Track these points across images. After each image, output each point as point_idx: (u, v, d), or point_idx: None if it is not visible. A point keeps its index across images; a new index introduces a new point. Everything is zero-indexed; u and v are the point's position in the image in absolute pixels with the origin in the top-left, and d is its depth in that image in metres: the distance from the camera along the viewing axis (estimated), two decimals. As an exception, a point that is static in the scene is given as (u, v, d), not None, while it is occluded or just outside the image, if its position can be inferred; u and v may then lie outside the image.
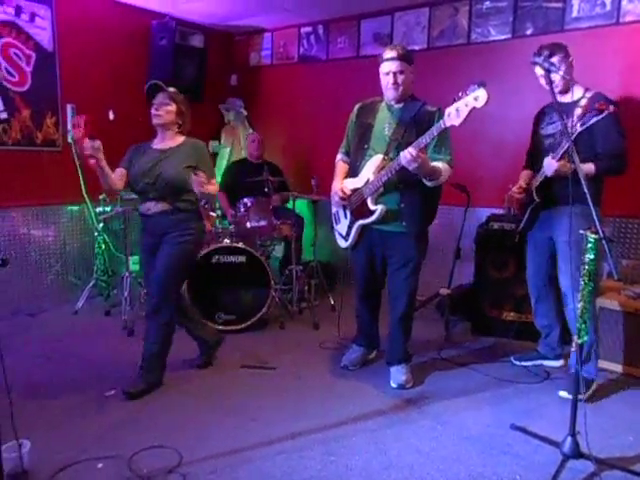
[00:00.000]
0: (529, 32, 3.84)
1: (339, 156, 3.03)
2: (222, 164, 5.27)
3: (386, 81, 2.69)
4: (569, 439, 2.07)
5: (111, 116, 4.42)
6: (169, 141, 2.79)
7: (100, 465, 2.08)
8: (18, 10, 3.78)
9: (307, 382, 2.91)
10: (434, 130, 2.46)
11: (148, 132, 4.71)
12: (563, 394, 2.69)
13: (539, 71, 2.58)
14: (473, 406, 2.64)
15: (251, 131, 4.86)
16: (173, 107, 2.76)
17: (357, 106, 2.94)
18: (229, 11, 4.62)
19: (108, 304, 4.04)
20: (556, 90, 2.56)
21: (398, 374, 2.87)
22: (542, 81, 2.59)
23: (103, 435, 2.29)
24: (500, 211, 3.57)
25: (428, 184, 2.62)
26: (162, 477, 2.01)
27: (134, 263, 4.02)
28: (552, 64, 2.38)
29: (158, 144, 2.82)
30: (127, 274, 3.83)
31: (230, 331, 3.60)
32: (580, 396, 2.32)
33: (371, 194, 2.72)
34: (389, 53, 2.64)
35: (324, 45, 4.87)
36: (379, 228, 2.79)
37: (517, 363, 3.13)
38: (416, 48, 4.32)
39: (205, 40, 4.76)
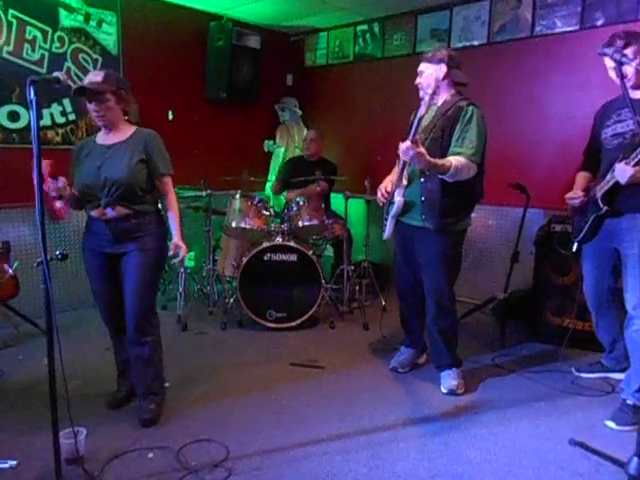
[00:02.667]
0: (599, 23, 3.61)
1: None
2: (277, 163, 5.32)
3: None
4: (635, 459, 1.91)
5: (170, 116, 4.58)
6: (116, 134, 2.33)
7: (151, 455, 2.14)
8: (87, 17, 3.98)
9: (355, 383, 2.87)
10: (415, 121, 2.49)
11: (205, 131, 4.88)
12: (610, 424, 2.44)
13: (609, 63, 2.39)
14: (529, 417, 2.51)
15: (306, 131, 4.88)
16: (113, 102, 2.27)
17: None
18: (285, 12, 4.66)
19: (164, 299, 4.18)
20: (628, 85, 2.35)
21: (448, 379, 2.78)
22: (612, 74, 2.40)
23: (155, 426, 2.36)
24: (562, 213, 3.38)
25: (446, 179, 2.52)
26: (208, 470, 2.04)
27: (189, 259, 4.13)
28: (624, 55, 2.19)
29: (103, 139, 2.37)
30: (182, 270, 3.93)
31: (281, 329, 3.63)
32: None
33: (397, 187, 2.75)
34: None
35: (380, 43, 4.80)
36: (406, 222, 2.78)
37: (578, 374, 2.95)
38: (475, 43, 4.18)
39: (261, 41, 4.82)
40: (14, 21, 3.60)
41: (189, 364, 3.07)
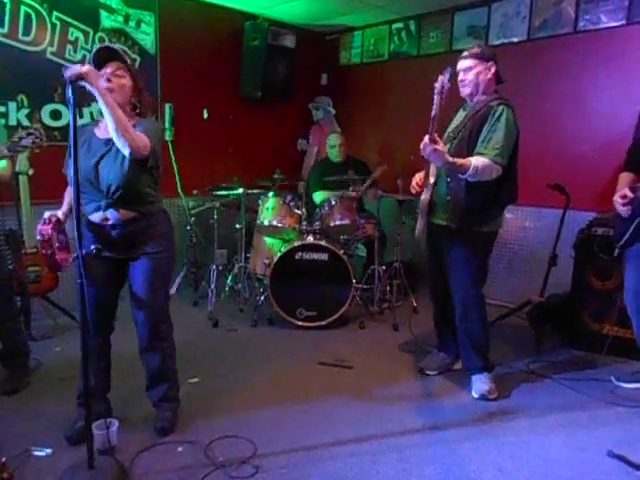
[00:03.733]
0: (647, 17, 3.46)
1: None
2: (310, 162, 5.32)
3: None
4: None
5: (205, 115, 4.64)
6: None
7: (180, 449, 2.17)
8: (127, 18, 4.07)
9: (384, 384, 2.84)
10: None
11: (239, 129, 4.93)
12: None
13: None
14: (564, 426, 2.42)
15: (334, 134, 4.82)
16: (128, 81, 2.06)
17: None
18: (320, 11, 4.65)
19: (197, 295, 4.23)
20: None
21: (479, 383, 2.71)
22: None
23: (184, 421, 2.38)
24: (604, 215, 3.25)
25: (467, 179, 2.45)
26: (236, 466, 2.06)
27: (221, 256, 4.17)
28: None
29: (102, 130, 2.11)
30: (214, 267, 3.98)
31: (310, 327, 3.63)
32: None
33: (425, 185, 2.72)
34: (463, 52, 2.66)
35: (415, 41, 4.74)
36: (434, 222, 2.74)
37: (618, 384, 2.83)
38: (515, 40, 4.07)
39: (296, 40, 4.83)
40: (58, 23, 3.72)
41: (219, 360, 3.10)
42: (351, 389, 2.78)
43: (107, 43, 2.10)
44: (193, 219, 4.36)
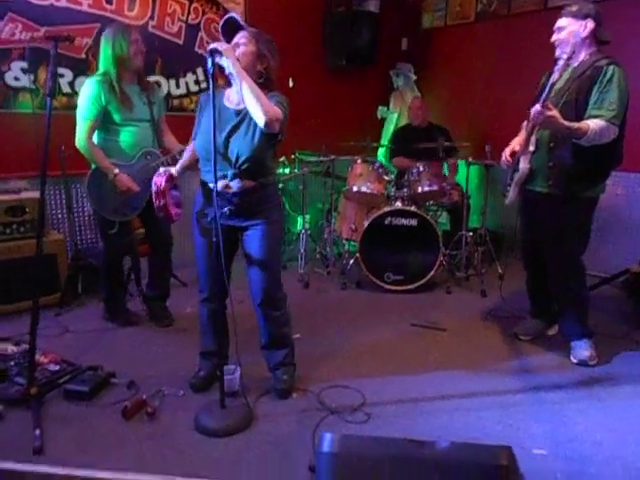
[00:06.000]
0: None
1: None
2: (389, 129, 5.32)
3: None
4: None
5: (291, 83, 4.72)
6: None
7: (295, 395, 2.35)
8: (218, -12, 4.19)
9: (478, 346, 2.91)
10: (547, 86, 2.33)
11: (324, 97, 4.98)
12: None
13: None
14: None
15: (416, 99, 4.79)
16: (251, 47, 2.09)
17: None
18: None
19: (284, 259, 4.41)
20: None
21: (580, 349, 2.71)
22: None
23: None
24: None
25: (582, 143, 2.39)
26: (348, 412, 2.21)
27: (308, 222, 4.33)
28: None
29: (232, 99, 2.18)
30: (304, 231, 4.13)
31: (398, 291, 3.72)
32: None
33: (523, 153, 2.67)
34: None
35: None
36: (531, 188, 2.70)
37: None
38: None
39: (380, 4, 4.78)
40: (157, -4, 3.89)
41: (314, 318, 3.27)
42: (446, 350, 2.87)
43: (231, 14, 2.16)
44: (281, 185, 4.50)
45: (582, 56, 2.54)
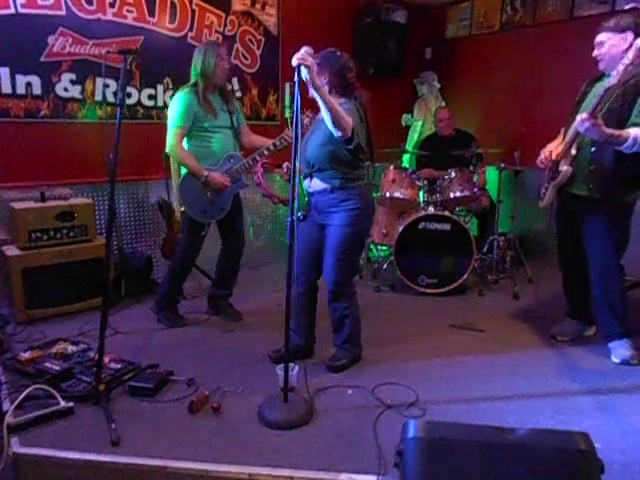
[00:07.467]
0: None
1: None
2: (414, 137, 5.43)
3: None
4: None
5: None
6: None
7: (350, 392, 2.43)
8: (253, 1, 4.32)
9: (518, 348, 2.97)
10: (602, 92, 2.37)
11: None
12: None
13: None
14: None
15: (443, 109, 4.89)
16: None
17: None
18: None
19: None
20: None
21: (620, 349, 2.78)
22: None
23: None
24: None
25: (623, 150, 2.47)
26: (404, 408, 2.29)
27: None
28: None
29: None
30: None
31: (431, 294, 3.80)
32: None
33: (564, 156, 2.74)
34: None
35: (531, 9, 4.67)
36: (570, 191, 2.78)
37: None
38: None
39: (407, 15, 4.90)
40: (196, 9, 4.02)
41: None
42: (488, 350, 2.94)
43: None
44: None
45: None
